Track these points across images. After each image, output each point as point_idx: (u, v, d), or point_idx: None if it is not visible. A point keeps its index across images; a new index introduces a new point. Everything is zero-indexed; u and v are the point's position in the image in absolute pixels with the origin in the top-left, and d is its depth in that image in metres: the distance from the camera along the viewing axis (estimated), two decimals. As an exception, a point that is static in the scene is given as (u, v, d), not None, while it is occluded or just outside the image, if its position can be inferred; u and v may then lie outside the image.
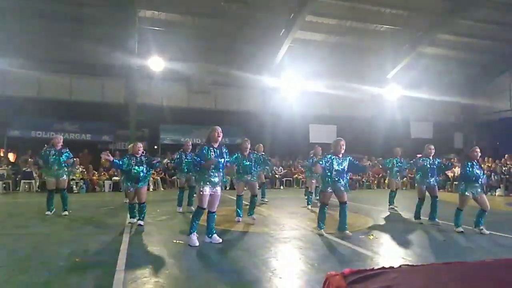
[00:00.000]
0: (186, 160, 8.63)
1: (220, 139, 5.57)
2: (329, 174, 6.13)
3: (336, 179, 6.13)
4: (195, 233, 5.43)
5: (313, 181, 9.86)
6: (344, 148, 6.19)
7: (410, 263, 4.40)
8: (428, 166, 7.57)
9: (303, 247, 5.49)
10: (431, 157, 7.65)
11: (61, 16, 14.64)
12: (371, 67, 19.05)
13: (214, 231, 5.65)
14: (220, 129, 5.61)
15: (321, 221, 6.26)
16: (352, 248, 5.41)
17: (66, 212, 8.19)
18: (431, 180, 7.63)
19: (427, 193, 7.75)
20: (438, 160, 7.78)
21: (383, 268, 2.14)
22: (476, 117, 22.26)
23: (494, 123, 21.03)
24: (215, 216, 5.68)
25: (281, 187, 17.14)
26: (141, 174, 6.89)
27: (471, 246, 5.78)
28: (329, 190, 6.19)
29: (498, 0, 15.39)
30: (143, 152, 7.14)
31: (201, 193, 5.42)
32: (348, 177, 6.48)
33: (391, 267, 2.17)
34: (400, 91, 19.64)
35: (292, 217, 8.52)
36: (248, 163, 7.43)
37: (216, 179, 5.47)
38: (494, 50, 19.55)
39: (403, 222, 8.18)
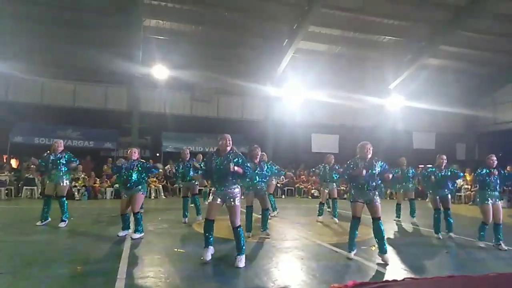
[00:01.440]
0: (182, 170, 8.57)
1: (228, 147, 5.16)
2: (357, 180, 5.46)
3: (367, 186, 5.40)
4: (208, 247, 5.12)
5: (326, 190, 9.40)
6: (371, 151, 5.53)
7: (413, 276, 4.38)
8: (440, 177, 7.39)
9: (304, 258, 5.47)
10: (442, 167, 7.48)
11: (66, 22, 14.77)
12: (374, 77, 19.10)
13: (240, 252, 4.99)
14: (229, 137, 5.22)
15: (352, 240, 5.49)
16: (354, 259, 5.38)
17: (63, 224, 7.68)
18: (444, 191, 7.46)
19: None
20: (451, 170, 7.56)
21: (387, 281, 2.14)
22: (478, 128, 22.24)
23: (497, 134, 20.99)
24: (239, 232, 5.07)
25: (283, 196, 17.10)
26: (133, 179, 6.61)
27: (473, 259, 5.74)
28: (360, 200, 5.44)
29: (500, 12, 15.48)
30: (137, 158, 6.92)
31: (209, 203, 5.18)
32: (381, 184, 5.70)
33: (395, 280, 2.17)
34: (402, 101, 19.66)
35: (294, 226, 8.49)
36: (259, 172, 6.96)
37: (228, 190, 5.07)
38: (496, 62, 19.59)
39: (406, 233, 8.14)
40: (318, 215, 9.29)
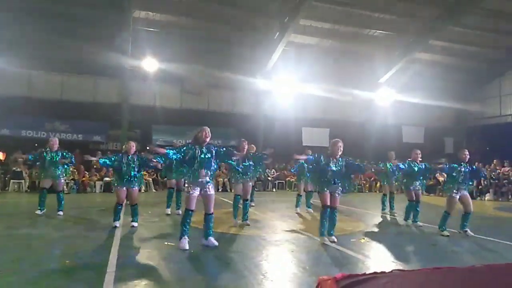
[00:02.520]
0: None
1: (207, 139, 5.41)
2: (325, 174, 5.93)
3: (332, 180, 5.92)
4: (185, 236, 5.30)
5: (302, 183, 9.77)
6: (342, 149, 6.03)
7: (401, 268, 4.44)
8: (415, 170, 7.75)
9: (295, 250, 5.50)
10: (418, 161, 7.83)
11: (54, 14, 14.52)
12: (364, 71, 19.20)
13: (211, 234, 5.49)
14: (209, 129, 5.44)
15: (323, 227, 5.89)
16: (343, 251, 5.43)
17: (61, 213, 8.14)
18: (417, 184, 7.89)
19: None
20: (426, 164, 7.92)
21: (375, 273, 2.16)
22: (466, 122, 22.54)
23: (484, 128, 21.31)
24: (212, 217, 5.51)
25: (274, 190, 17.16)
26: (132, 173, 6.76)
27: (460, 251, 5.84)
28: (326, 190, 5.93)
29: (489, 7, 15.64)
30: (135, 152, 7.04)
31: (188, 194, 5.33)
32: (349, 179, 6.25)
33: (383, 272, 2.19)
34: (392, 95, 19.80)
35: (284, 220, 8.53)
36: (246, 164, 7.29)
37: (205, 179, 5.34)
38: (485, 57, 19.84)
39: (394, 226, 8.23)
40: (296, 206, 9.69)
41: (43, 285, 3.82)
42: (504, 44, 18.69)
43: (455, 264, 4.63)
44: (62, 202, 8.28)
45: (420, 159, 7.91)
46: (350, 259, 5.08)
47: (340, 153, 6.03)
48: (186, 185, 5.47)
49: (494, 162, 16.98)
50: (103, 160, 6.98)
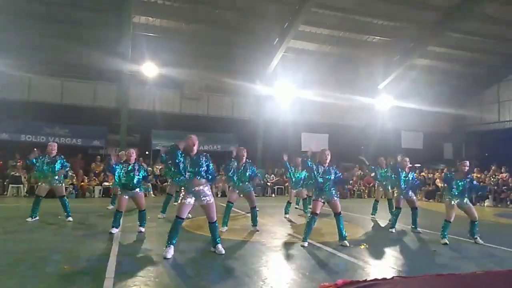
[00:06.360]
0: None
1: (195, 148, 5.30)
2: (320, 181, 6.15)
3: (327, 187, 6.16)
4: (171, 245, 5.16)
5: (293, 191, 9.87)
6: (329, 158, 6.24)
7: (401, 274, 4.42)
8: (403, 178, 7.75)
9: (294, 256, 5.48)
10: (406, 170, 7.86)
11: (55, 18, 14.54)
12: (363, 77, 19.24)
13: (218, 242, 5.47)
14: (195, 137, 5.33)
15: (307, 233, 6.15)
16: (343, 258, 5.41)
17: (70, 218, 8.09)
18: (408, 192, 7.84)
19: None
20: (413, 174, 8.07)
21: (376, 279, 2.16)
22: (465, 128, 22.58)
23: (483, 134, 21.35)
24: (216, 226, 5.47)
25: (273, 195, 17.13)
26: (133, 182, 6.70)
27: (460, 257, 5.82)
28: (320, 199, 6.21)
29: (488, 14, 15.72)
30: (136, 160, 6.98)
31: (181, 201, 5.30)
32: (336, 187, 6.45)
33: (384, 279, 2.18)
34: (391, 101, 19.85)
35: (283, 225, 8.51)
36: (243, 171, 7.31)
37: (200, 188, 5.25)
38: (483, 63, 19.91)
39: (393, 232, 8.20)
40: (285, 213, 9.61)
41: (42, 290, 3.79)
42: (502, 50, 18.77)
43: (456, 270, 4.62)
44: (68, 207, 8.20)
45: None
46: (350, 266, 5.06)
47: (328, 161, 6.22)
48: (182, 192, 5.39)
49: (493, 168, 17.00)
50: (114, 167, 6.81)
